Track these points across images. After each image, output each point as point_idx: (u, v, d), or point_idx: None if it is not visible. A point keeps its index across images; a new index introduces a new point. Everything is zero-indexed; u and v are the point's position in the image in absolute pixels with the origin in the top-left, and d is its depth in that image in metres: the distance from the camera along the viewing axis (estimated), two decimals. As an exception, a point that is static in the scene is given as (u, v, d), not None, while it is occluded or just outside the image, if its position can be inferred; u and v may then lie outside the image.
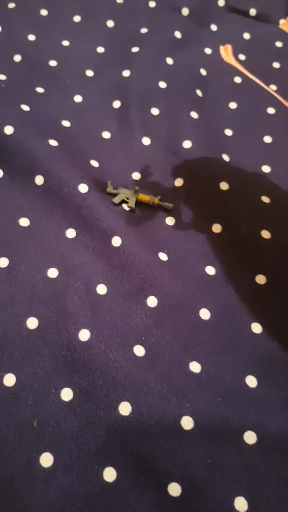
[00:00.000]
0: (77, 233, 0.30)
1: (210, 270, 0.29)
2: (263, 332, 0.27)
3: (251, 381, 0.26)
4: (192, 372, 0.26)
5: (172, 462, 0.23)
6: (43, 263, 0.29)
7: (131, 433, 0.24)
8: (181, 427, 0.24)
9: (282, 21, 0.44)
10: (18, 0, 0.42)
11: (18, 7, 0.41)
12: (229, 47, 0.42)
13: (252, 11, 0.44)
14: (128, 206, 0.31)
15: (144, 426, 0.24)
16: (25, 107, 0.34)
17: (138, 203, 0.31)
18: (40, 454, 0.23)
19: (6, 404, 0.24)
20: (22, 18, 0.41)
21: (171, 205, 0.31)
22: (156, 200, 0.31)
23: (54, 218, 0.30)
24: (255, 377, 0.26)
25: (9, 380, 0.25)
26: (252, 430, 0.24)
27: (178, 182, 0.33)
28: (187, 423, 0.24)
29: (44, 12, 0.41)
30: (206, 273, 0.29)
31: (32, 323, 0.27)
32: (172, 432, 0.24)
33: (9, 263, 0.28)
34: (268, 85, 0.40)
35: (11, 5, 0.41)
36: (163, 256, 0.30)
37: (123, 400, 0.24)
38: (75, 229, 0.30)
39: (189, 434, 0.24)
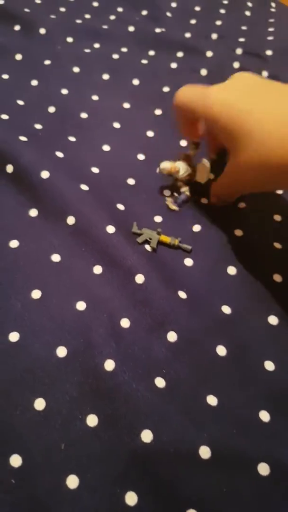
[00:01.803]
0: (103, 270, 0.35)
1: (226, 309, 0.34)
2: (275, 370, 0.31)
3: (264, 416, 0.29)
4: (209, 405, 0.30)
5: (190, 489, 0.26)
6: (72, 296, 0.33)
7: (152, 460, 0.27)
8: (199, 456, 0.27)
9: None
10: (53, 58, 0.50)
11: (53, 64, 0.49)
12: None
13: (264, 73, 0.52)
14: (151, 246, 0.36)
15: (164, 453, 0.27)
16: (59, 154, 0.40)
17: (160, 243, 0.37)
18: (67, 476, 0.27)
19: (36, 427, 0.28)
20: (57, 74, 0.48)
21: (190, 247, 0.37)
22: (176, 241, 0.36)
23: (83, 255, 0.35)
24: (268, 412, 0.30)
25: (40, 404, 0.29)
26: (265, 462, 0.27)
27: (196, 228, 0.38)
28: (204, 452, 0.27)
29: (76, 69, 0.49)
30: (222, 311, 0.34)
31: (61, 351, 0.31)
32: (190, 460, 0.27)
33: (42, 295, 0.33)
34: None
35: (47, 62, 0.49)
36: (182, 294, 0.34)
37: (145, 428, 0.28)
38: (101, 265, 0.35)
39: (206, 463, 0.27)
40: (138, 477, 0.27)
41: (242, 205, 0.40)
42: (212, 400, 0.30)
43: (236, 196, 0.38)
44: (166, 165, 0.38)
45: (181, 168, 0.39)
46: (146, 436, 0.28)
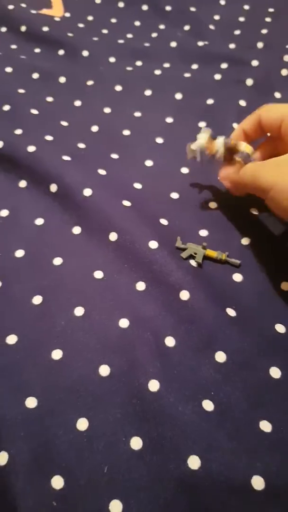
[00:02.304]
0: (147, 286, 0.35)
1: (280, 328, 0.33)
2: None
3: None
4: (262, 431, 0.28)
5: (243, 524, 0.25)
6: (115, 314, 0.34)
7: (200, 488, 0.26)
8: (252, 487, 0.26)
9: None
10: (96, 78, 0.52)
11: (96, 84, 0.52)
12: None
13: (316, 78, 0.51)
14: (196, 261, 0.36)
15: (214, 482, 0.26)
16: (102, 172, 0.42)
17: (206, 258, 0.36)
18: (110, 501, 0.26)
19: (79, 448, 0.28)
20: (99, 94, 0.51)
21: (238, 262, 0.36)
22: (224, 256, 0.36)
23: (126, 272, 0.36)
24: None
25: (82, 424, 0.29)
26: None
27: (245, 241, 0.37)
28: (258, 483, 0.26)
29: (118, 88, 0.51)
30: (276, 330, 0.32)
31: (104, 370, 0.31)
32: (242, 491, 0.26)
33: (84, 312, 0.34)
34: None
35: (90, 83, 0.52)
36: (231, 312, 0.33)
37: (192, 454, 0.27)
38: (145, 282, 0.35)
39: (260, 495, 0.26)
40: (185, 507, 0.26)
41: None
42: (265, 426, 0.29)
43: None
44: (200, 141, 0.38)
45: (218, 143, 0.38)
46: (194, 462, 0.27)
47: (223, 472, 0.26)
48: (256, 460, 0.27)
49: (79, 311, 0.34)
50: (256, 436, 0.28)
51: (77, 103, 0.50)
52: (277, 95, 0.50)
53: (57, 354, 0.32)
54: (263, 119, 0.37)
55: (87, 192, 0.39)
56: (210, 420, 0.29)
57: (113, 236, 0.37)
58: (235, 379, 0.31)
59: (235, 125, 0.47)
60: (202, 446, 0.28)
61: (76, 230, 0.39)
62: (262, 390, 0.30)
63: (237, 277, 0.36)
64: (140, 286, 0.35)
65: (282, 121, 0.35)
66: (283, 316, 0.33)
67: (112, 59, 0.55)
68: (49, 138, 0.45)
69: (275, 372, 0.31)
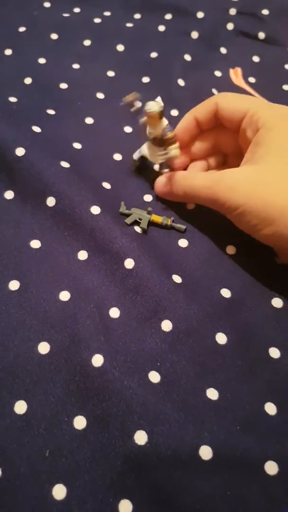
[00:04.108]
0: (89, 255, 0.32)
1: (226, 293, 0.31)
2: (281, 357, 0.29)
3: (271, 409, 0.27)
4: (210, 400, 0.27)
5: (190, 495, 0.24)
6: (55, 286, 0.30)
7: (147, 464, 0.25)
8: (199, 457, 0.25)
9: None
10: (28, 24, 0.45)
11: (29, 31, 0.45)
12: (238, 70, 0.45)
13: (261, 35, 0.48)
14: (141, 227, 0.33)
15: (161, 456, 0.25)
16: (37, 129, 0.37)
17: (151, 224, 0.33)
18: (53, 485, 0.24)
19: (17, 433, 0.25)
20: (33, 42, 0.44)
21: (184, 227, 0.33)
22: (169, 221, 0.33)
23: (66, 240, 0.32)
24: (275, 404, 0.27)
25: (20, 407, 0.26)
26: (274, 460, 0.25)
27: (190, 205, 0.35)
28: (205, 453, 0.25)
29: (54, 36, 0.45)
30: (221, 295, 0.31)
31: (43, 348, 0.28)
32: (190, 463, 0.25)
33: (20, 286, 0.30)
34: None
35: (22, 29, 0.45)
36: (177, 279, 0.31)
37: (138, 429, 0.25)
38: (87, 251, 0.32)
39: (208, 465, 0.25)
40: (133, 484, 0.24)
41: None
42: (212, 394, 0.27)
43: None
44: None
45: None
46: (140, 438, 0.25)
47: (170, 446, 0.25)
48: (204, 430, 0.25)
49: (14, 285, 0.30)
50: (203, 405, 0.27)
51: (8, 51, 0.43)
52: (223, 50, 0.46)
53: (-11, 333, 0.28)
54: (223, 109, 0.32)
55: (20, 151, 0.34)
56: (156, 392, 0.27)
57: (50, 201, 0.33)
58: (182, 348, 0.29)
59: (180, 81, 0.43)
60: (149, 420, 0.26)
61: (8, 194, 0.34)
62: (209, 357, 0.28)
63: (183, 242, 0.33)
64: (82, 255, 0.32)
65: (245, 114, 0.31)
66: (229, 280, 0.32)
67: (47, 4, 0.48)
68: (-26, 90, 0.39)
69: (221, 338, 0.29)
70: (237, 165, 0.31)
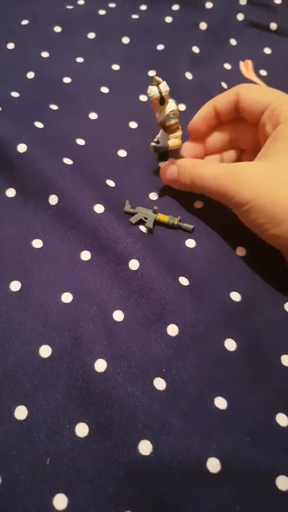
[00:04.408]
0: (92, 256, 0.31)
1: (235, 296, 0.29)
2: (293, 365, 0.27)
3: (282, 420, 0.25)
4: (218, 409, 0.26)
5: (196, 509, 0.23)
6: (57, 287, 0.29)
7: (151, 475, 0.23)
8: (206, 470, 0.23)
9: (304, 36, 0.46)
10: (31, 17, 0.44)
11: (32, 24, 0.44)
12: (249, 62, 0.43)
13: (273, 25, 0.46)
14: (146, 227, 0.32)
15: (166, 467, 0.23)
16: (39, 125, 0.35)
17: (157, 223, 0.32)
18: (54, 495, 0.23)
19: (17, 440, 0.24)
20: (36, 35, 0.43)
21: (191, 227, 0.32)
22: (176, 220, 0.32)
23: (69, 240, 0.31)
24: (287, 415, 0.26)
25: (21, 412, 0.25)
26: (286, 475, 0.24)
27: (198, 204, 0.33)
28: (213, 465, 0.24)
29: (57, 29, 0.43)
30: (231, 299, 0.29)
31: (45, 351, 0.27)
32: (196, 475, 0.23)
33: (21, 286, 0.29)
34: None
35: (24, 22, 0.44)
36: (183, 281, 0.30)
37: (143, 438, 0.24)
38: (90, 251, 0.31)
39: (215, 478, 0.23)
40: (136, 495, 0.23)
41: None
42: (220, 403, 0.26)
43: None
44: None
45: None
46: (145, 447, 0.24)
47: (176, 457, 0.24)
48: (211, 441, 0.24)
49: (15, 285, 0.29)
50: (210, 414, 0.25)
51: (10, 45, 0.42)
52: (233, 42, 0.44)
53: (-11, 336, 0.27)
54: (244, 100, 0.30)
55: (21, 148, 0.32)
56: (161, 400, 0.26)
57: (52, 199, 0.32)
58: (188, 354, 0.27)
59: (188, 74, 0.41)
60: (154, 430, 0.24)
61: (10, 192, 0.32)
62: (217, 365, 0.27)
63: (190, 243, 0.32)
64: (85, 255, 0.31)
65: (267, 107, 0.29)
66: (239, 284, 0.30)
67: (50, -5, 0.46)
68: (-24, 85, 0.37)
69: (230, 345, 0.28)
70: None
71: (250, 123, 0.31)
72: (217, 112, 0.32)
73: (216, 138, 0.34)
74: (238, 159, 0.35)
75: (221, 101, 0.32)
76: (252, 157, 0.31)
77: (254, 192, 0.27)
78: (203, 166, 0.30)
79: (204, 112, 0.32)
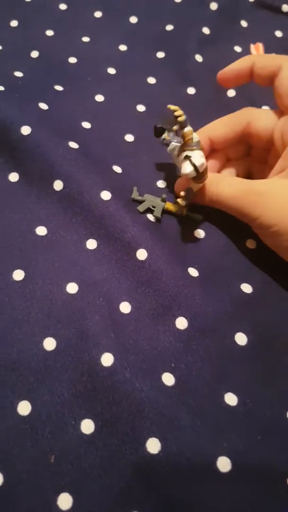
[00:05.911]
0: (98, 244, 0.29)
1: (247, 288, 0.28)
2: (306, 360, 0.26)
3: (295, 416, 0.24)
4: (228, 405, 0.24)
5: (206, 510, 0.21)
6: (62, 277, 0.27)
7: (159, 474, 0.22)
8: (217, 469, 0.22)
9: None
10: (35, -6, 0.41)
11: (36, 1, 0.41)
12: (260, 45, 0.41)
13: (285, 7, 0.43)
14: (154, 215, 0.30)
15: (175, 466, 0.22)
16: (43, 106, 0.33)
17: (165, 212, 0.30)
18: (58, 494, 0.22)
19: (20, 436, 0.23)
20: (40, 13, 0.40)
21: (200, 217, 0.30)
22: (184, 210, 0.30)
23: (74, 227, 0.29)
24: (299, 411, 0.24)
25: (24, 408, 0.23)
26: (298, 474, 0.22)
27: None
28: (223, 464, 0.22)
29: (63, 7, 0.41)
30: (242, 291, 0.28)
31: (49, 344, 0.25)
32: (206, 474, 0.22)
33: (25, 276, 0.27)
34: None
35: (28, -1, 0.41)
36: (193, 272, 0.28)
37: (151, 436, 0.23)
38: (96, 239, 0.29)
39: (226, 477, 0.22)
40: (143, 495, 0.22)
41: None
42: (231, 399, 0.24)
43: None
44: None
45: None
46: (153, 445, 0.22)
47: (185, 455, 0.22)
48: (222, 439, 0.23)
49: (18, 274, 0.27)
50: (221, 411, 0.24)
51: (13, 23, 0.39)
52: (244, 23, 0.42)
53: (-9, 327, 0.25)
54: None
55: (25, 130, 0.30)
56: (170, 396, 0.24)
57: (57, 185, 0.29)
58: (198, 348, 0.26)
59: (197, 56, 0.38)
60: (162, 427, 0.23)
61: (13, 177, 0.30)
62: (227, 359, 0.25)
63: (199, 233, 0.30)
64: (91, 244, 0.29)
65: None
66: (250, 275, 0.28)
67: (54, -29, 0.43)
68: (-23, 63, 0.35)
69: (241, 338, 0.26)
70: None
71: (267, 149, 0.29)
72: (252, 72, 0.29)
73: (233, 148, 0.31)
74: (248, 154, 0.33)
75: (263, 61, 0.29)
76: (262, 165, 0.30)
77: (281, 215, 0.25)
78: (220, 184, 0.28)
79: (240, 65, 0.30)
